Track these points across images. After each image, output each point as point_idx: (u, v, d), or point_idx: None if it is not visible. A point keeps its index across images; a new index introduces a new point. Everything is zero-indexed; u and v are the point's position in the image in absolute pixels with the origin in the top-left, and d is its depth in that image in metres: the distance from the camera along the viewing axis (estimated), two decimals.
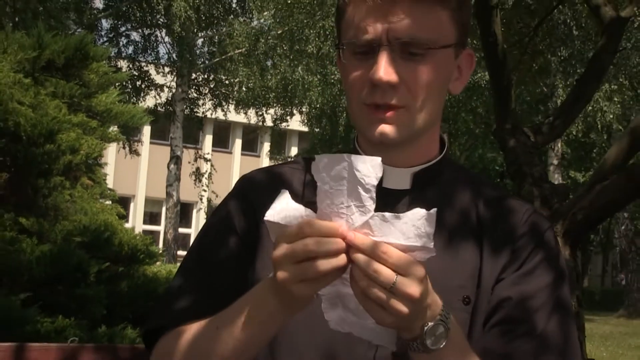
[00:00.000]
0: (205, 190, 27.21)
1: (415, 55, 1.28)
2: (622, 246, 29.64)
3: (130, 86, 24.49)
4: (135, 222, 34.62)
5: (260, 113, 26.86)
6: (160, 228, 31.87)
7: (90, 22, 24.05)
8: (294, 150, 37.75)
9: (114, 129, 8.22)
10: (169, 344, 1.35)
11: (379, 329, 1.14)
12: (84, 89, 7.54)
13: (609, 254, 38.07)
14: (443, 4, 1.30)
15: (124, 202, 26.26)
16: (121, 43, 25.63)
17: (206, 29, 25.73)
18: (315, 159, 1.10)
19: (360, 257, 1.06)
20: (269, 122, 27.56)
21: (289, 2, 22.07)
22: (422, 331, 1.13)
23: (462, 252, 1.37)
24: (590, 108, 19.19)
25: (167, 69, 26.50)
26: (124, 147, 23.36)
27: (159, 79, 26.38)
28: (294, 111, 25.83)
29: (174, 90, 26.42)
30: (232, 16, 25.50)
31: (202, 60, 26.59)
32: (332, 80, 22.40)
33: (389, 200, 1.36)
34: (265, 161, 37.99)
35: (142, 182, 38.13)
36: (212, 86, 27.17)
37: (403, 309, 1.08)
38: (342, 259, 1.07)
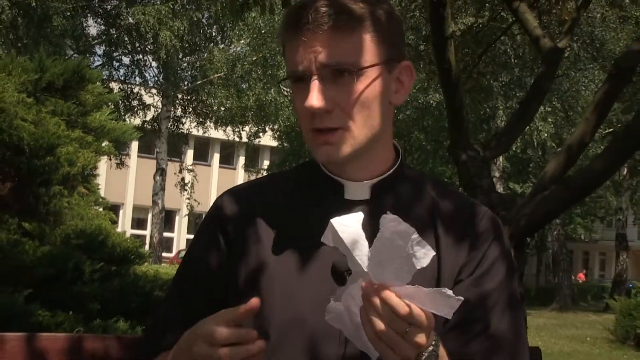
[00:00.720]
0: (189, 198, 27.14)
1: (343, 79, 1.27)
2: (554, 249, 29.92)
3: (121, 105, 24.37)
4: (124, 227, 34.41)
5: (237, 130, 26.85)
6: (147, 232, 31.71)
7: (86, 48, 23.96)
8: (266, 163, 37.72)
9: (106, 143, 8.16)
10: None
11: (366, 342, 1.15)
12: (81, 107, 7.50)
13: (542, 256, 38.46)
14: (361, 29, 1.28)
15: (114, 209, 26.02)
16: (113, 67, 25.56)
17: (189, 55, 25.68)
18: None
19: (383, 306, 1.07)
20: (244, 139, 27.56)
21: (263, 32, 22.11)
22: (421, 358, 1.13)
23: None
24: (527, 127, 19.37)
25: (154, 91, 26.46)
26: (111, 159, 23.22)
27: (146, 99, 26.31)
28: (267, 128, 25.86)
29: (160, 109, 26.38)
30: (212, 44, 25.48)
31: (186, 82, 26.55)
32: None
33: (352, 210, 1.33)
34: (240, 173, 37.95)
35: (131, 191, 37.91)
36: (194, 106, 27.11)
37: (410, 353, 1.10)
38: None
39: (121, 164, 24.15)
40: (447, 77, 4.38)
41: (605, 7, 17.93)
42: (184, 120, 27.22)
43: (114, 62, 25.91)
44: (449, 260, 1.35)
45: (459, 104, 4.40)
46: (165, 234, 31.41)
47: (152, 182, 26.45)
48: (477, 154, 4.20)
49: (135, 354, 1.44)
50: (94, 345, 1.68)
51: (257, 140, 27.55)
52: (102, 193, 11.94)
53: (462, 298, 1.08)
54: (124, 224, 35.68)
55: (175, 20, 23.79)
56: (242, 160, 39.68)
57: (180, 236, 40.33)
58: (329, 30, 1.26)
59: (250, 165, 35.67)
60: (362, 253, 1.10)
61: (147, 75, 26.26)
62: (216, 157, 41.52)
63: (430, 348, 1.14)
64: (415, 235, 1.09)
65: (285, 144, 27.11)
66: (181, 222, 40.60)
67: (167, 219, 33.28)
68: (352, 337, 1.17)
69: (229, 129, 27.01)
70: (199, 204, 26.64)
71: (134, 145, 34.03)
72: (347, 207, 1.35)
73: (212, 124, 27.37)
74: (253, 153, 35.69)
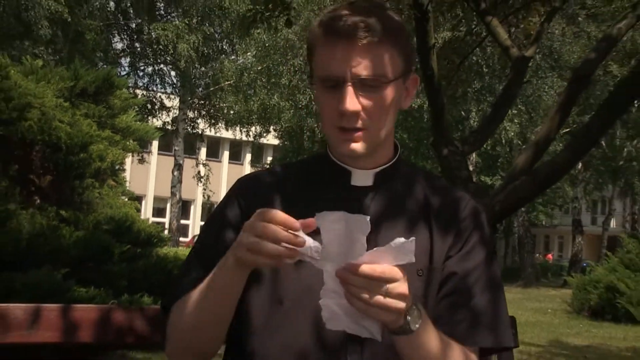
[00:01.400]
0: (205, 188, 27.21)
1: (372, 88, 1.27)
2: (520, 233, 29.96)
3: (144, 109, 24.37)
4: (146, 215, 34.32)
5: (244, 130, 26.82)
6: (166, 220, 31.62)
7: (114, 59, 23.91)
8: (269, 159, 37.69)
9: (132, 142, 8.14)
10: (175, 311, 1.34)
11: (367, 326, 1.13)
12: (110, 111, 7.51)
13: (509, 240, 38.52)
14: (391, 44, 1.28)
15: (138, 199, 25.97)
16: (137, 76, 25.56)
17: (203, 65, 25.62)
18: (318, 216, 1.10)
19: (358, 279, 1.07)
20: (250, 138, 27.54)
21: (267, 45, 22.06)
22: (406, 319, 1.14)
23: (416, 233, 1.34)
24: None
25: (172, 96, 26.45)
26: (136, 156, 23.22)
27: (166, 103, 26.30)
28: (270, 129, 25.80)
29: (177, 112, 26.33)
30: (223, 55, 25.45)
31: (200, 89, 26.49)
32: (300, 106, 22.41)
33: (356, 194, 1.36)
34: (247, 168, 37.96)
35: (152, 184, 37.88)
36: (207, 109, 27.10)
37: (400, 305, 1.09)
38: (284, 251, 1.09)
39: (143, 160, 24.16)
40: (431, 82, 4.36)
41: (562, 24, 17.98)
42: (198, 121, 27.22)
43: (138, 71, 25.92)
44: (439, 241, 1.35)
45: (441, 106, 4.38)
46: (182, 221, 31.39)
47: (171, 176, 26.43)
48: (456, 149, 4.18)
49: (161, 306, 1.41)
50: (122, 316, 1.65)
51: (261, 139, 27.53)
52: (127, 185, 11.92)
53: (414, 238, 1.06)
54: (146, 213, 35.60)
55: (191, 35, 23.73)
56: (248, 156, 39.71)
57: (195, 223, 40.34)
58: (365, 44, 1.25)
59: (256, 161, 35.70)
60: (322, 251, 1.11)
61: (166, 82, 26.28)
62: (226, 154, 41.51)
63: (413, 305, 1.15)
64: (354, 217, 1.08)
65: (286, 142, 27.06)
66: (196, 211, 40.61)
67: (184, 208, 33.25)
68: (354, 330, 1.15)
69: (237, 129, 27.01)
70: (213, 193, 26.73)
71: (155, 143, 33.90)
72: (353, 191, 1.36)
73: (222, 125, 27.38)
74: (258, 150, 35.75)
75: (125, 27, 25.25)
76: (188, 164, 27.19)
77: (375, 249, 1.07)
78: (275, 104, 22.88)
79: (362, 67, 1.25)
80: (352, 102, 1.26)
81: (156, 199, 38.58)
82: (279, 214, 1.11)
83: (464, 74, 8.46)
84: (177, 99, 26.50)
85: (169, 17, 25.47)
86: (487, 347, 1.33)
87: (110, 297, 5.88)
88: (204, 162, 28.66)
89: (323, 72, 1.29)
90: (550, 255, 44.72)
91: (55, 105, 6.52)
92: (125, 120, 7.73)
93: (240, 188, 1.42)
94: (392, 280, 1.07)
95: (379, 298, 1.07)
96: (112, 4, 24.16)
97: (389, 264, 1.07)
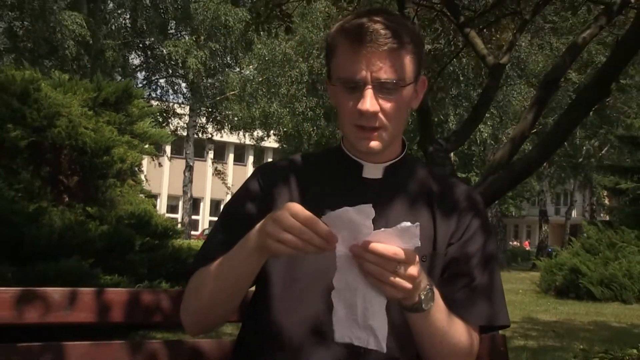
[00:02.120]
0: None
1: (390, 90, 1.24)
2: (493, 223, 30.05)
3: (159, 116, 24.37)
4: (161, 212, 34.24)
5: (247, 135, 26.79)
6: (179, 216, 31.55)
7: (130, 73, 23.89)
8: (270, 161, 37.70)
9: (148, 145, 8.12)
10: (195, 278, 1.31)
11: (373, 339, 1.10)
12: (128, 118, 7.50)
13: None
14: (406, 50, 1.25)
15: (153, 197, 25.95)
16: (152, 88, 25.54)
17: (210, 77, 25.62)
18: (324, 217, 1.06)
19: (371, 256, 1.05)
20: (253, 142, 27.51)
21: (267, 59, 22.03)
22: (420, 298, 1.13)
23: (421, 220, 1.28)
24: None
25: (183, 105, 26.43)
26: (154, 159, 23.18)
27: (178, 111, 26.28)
28: (271, 134, 25.77)
29: (188, 120, 26.29)
30: (227, 68, 25.48)
31: (207, 98, 26.47)
32: (297, 112, 22.39)
33: (367, 186, 1.33)
34: (250, 169, 37.88)
35: (165, 183, 37.81)
36: (214, 117, 27.09)
37: (407, 285, 1.07)
38: (310, 248, 1.06)
39: (160, 164, 24.17)
40: None
41: (528, 37, 18.02)
42: (206, 128, 27.22)
43: (153, 84, 25.90)
44: (443, 227, 1.33)
45: (427, 108, 4.35)
46: (193, 217, 31.41)
47: (182, 177, 26.43)
48: (440, 147, 4.16)
49: (186, 269, 1.38)
50: (149, 297, 1.63)
51: (263, 143, 27.50)
52: (144, 184, 11.87)
53: (419, 223, 1.04)
54: (161, 210, 35.55)
55: (199, 51, 23.74)
56: (251, 159, 39.69)
57: (205, 218, 40.29)
58: (386, 50, 1.23)
59: (258, 162, 35.67)
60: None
61: (178, 93, 26.28)
62: (231, 156, 41.48)
63: (428, 287, 1.14)
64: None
65: (285, 146, 27.01)
66: (205, 208, 40.57)
67: (194, 205, 33.23)
68: (360, 341, 1.12)
69: (241, 134, 26.98)
70: (229, 188, 26.80)
71: (168, 147, 33.91)
72: (363, 183, 1.34)
73: (227, 131, 27.35)
74: (260, 153, 35.72)
75: (141, 45, 25.25)
76: (198, 165, 27.16)
77: (382, 229, 1.05)
78: (275, 111, 22.85)
79: (382, 72, 1.23)
80: (372, 103, 1.23)
81: (170, 197, 38.54)
82: (305, 213, 1.07)
83: (442, 81, 8.43)
84: (188, 108, 26.53)
85: (179, 35, 25.46)
86: (486, 326, 1.33)
87: (132, 283, 5.87)
88: (212, 165, 28.76)
89: (344, 74, 1.26)
90: (527, 243, 45.25)
91: (80, 113, 6.52)
92: (142, 127, 7.71)
93: (262, 171, 1.40)
94: (405, 261, 1.05)
95: (389, 276, 1.05)
96: (128, 24, 24.16)
97: (395, 245, 1.05)
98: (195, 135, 26.68)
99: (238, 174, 37.68)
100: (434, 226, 1.32)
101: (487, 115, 19.48)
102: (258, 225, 1.15)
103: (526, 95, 19.69)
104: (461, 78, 17.87)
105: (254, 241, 1.15)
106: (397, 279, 1.06)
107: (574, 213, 36.95)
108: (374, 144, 1.28)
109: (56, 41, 19.70)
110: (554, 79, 4.30)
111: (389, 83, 1.23)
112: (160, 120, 24.70)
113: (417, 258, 1.08)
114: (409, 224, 1.03)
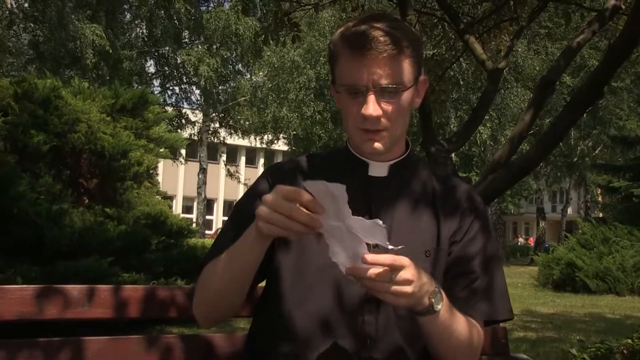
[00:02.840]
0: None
1: (391, 94, 1.24)
2: (493, 220, 29.93)
3: (174, 121, 24.42)
4: (176, 212, 34.30)
5: (258, 139, 26.81)
6: (193, 216, 31.61)
7: (146, 81, 23.95)
8: None
9: (163, 149, 8.11)
10: (205, 271, 1.30)
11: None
12: (145, 123, 7.48)
13: None
14: (405, 55, 1.24)
15: (169, 198, 25.99)
16: (167, 94, 25.60)
17: (222, 84, 25.66)
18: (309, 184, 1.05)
19: (372, 272, 1.03)
20: (263, 145, 27.53)
21: (276, 66, 22.05)
22: (431, 302, 1.11)
23: (425, 218, 1.31)
24: None
25: (196, 111, 26.47)
26: (174, 162, 23.32)
27: (191, 117, 26.34)
28: (280, 137, 25.78)
29: (201, 124, 26.34)
30: (239, 75, 25.50)
31: (220, 104, 26.51)
32: (306, 117, 22.40)
33: (372, 184, 1.32)
34: (261, 171, 37.82)
35: (181, 185, 37.88)
36: (226, 121, 27.13)
37: (407, 289, 1.05)
38: (302, 228, 1.05)
39: (179, 161, 24.28)
40: None
41: (525, 43, 17.95)
42: (219, 132, 27.25)
43: (168, 90, 25.98)
44: (446, 225, 1.31)
45: (428, 110, 4.32)
46: (207, 217, 31.45)
47: (197, 179, 26.48)
48: (442, 147, 4.12)
49: (199, 263, 1.37)
50: (164, 293, 1.61)
51: (273, 146, 27.52)
52: (160, 187, 11.89)
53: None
54: (176, 210, 35.56)
55: (212, 59, 23.77)
56: (262, 161, 39.70)
57: (218, 218, 40.32)
58: (386, 57, 1.22)
59: (268, 165, 35.56)
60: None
61: (191, 99, 26.34)
62: (243, 159, 41.52)
63: (435, 289, 1.12)
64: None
65: (294, 148, 27.03)
66: (218, 208, 40.61)
67: (208, 206, 33.27)
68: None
69: (252, 138, 27.01)
70: (245, 184, 26.89)
71: (183, 151, 34.00)
72: (369, 181, 1.33)
73: (239, 135, 27.38)
74: (270, 156, 35.70)
75: (156, 54, 25.30)
76: (211, 168, 27.20)
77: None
78: (285, 115, 22.87)
79: (383, 77, 1.22)
80: (375, 108, 1.23)
81: (185, 198, 38.60)
82: (290, 187, 1.06)
83: (443, 85, 8.39)
84: (201, 113, 26.58)
85: (192, 44, 25.50)
86: (488, 320, 1.31)
87: (149, 280, 5.86)
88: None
89: (347, 80, 1.25)
90: (532, 239, 44.90)
91: (99, 119, 6.51)
92: (158, 131, 7.70)
93: (272, 171, 1.39)
94: (397, 268, 1.03)
95: (386, 286, 1.03)
96: (144, 34, 24.24)
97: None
98: (209, 139, 26.73)
99: (249, 175, 37.69)
100: (437, 221, 1.31)
101: (486, 117, 19.42)
102: (248, 230, 1.16)
103: (523, 98, 19.60)
104: (461, 82, 17.83)
105: (253, 228, 1.14)
106: (395, 287, 1.04)
107: (569, 210, 36.76)
108: (378, 145, 1.27)
109: (77, 51, 19.83)
110: (551, 80, 4.25)
111: (389, 88, 1.22)
112: (175, 125, 24.77)
113: (410, 262, 1.05)
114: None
